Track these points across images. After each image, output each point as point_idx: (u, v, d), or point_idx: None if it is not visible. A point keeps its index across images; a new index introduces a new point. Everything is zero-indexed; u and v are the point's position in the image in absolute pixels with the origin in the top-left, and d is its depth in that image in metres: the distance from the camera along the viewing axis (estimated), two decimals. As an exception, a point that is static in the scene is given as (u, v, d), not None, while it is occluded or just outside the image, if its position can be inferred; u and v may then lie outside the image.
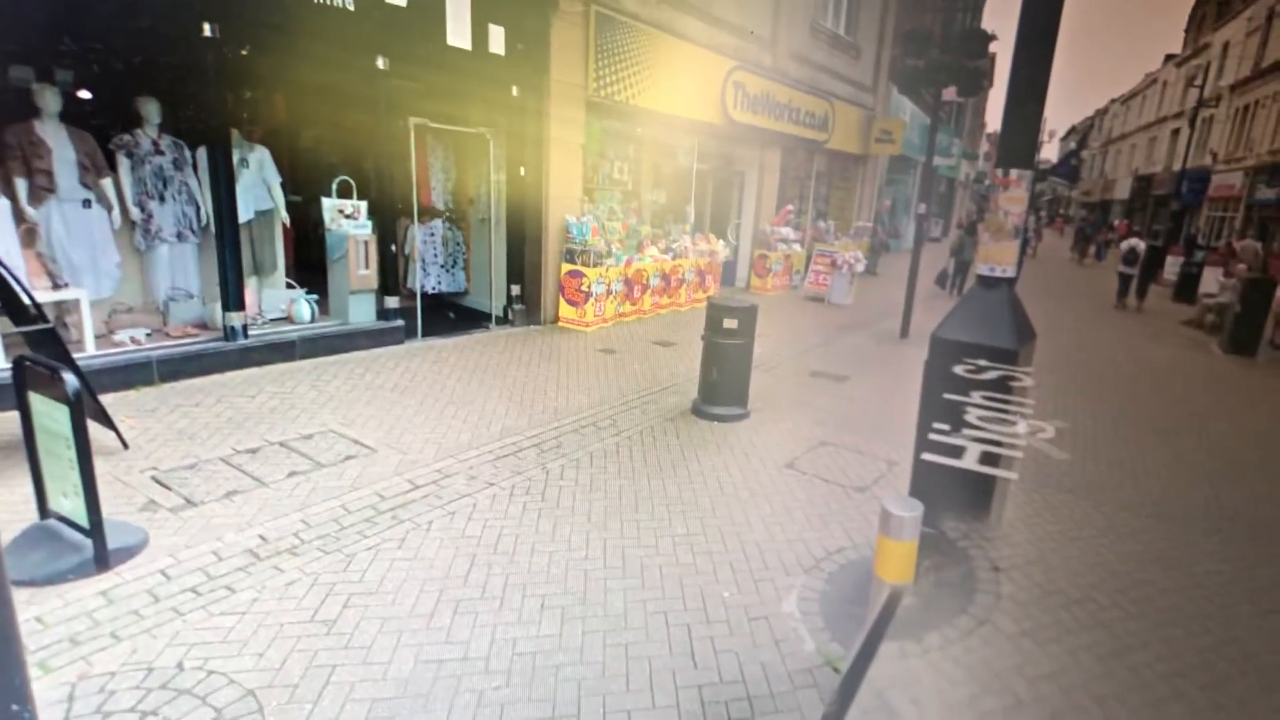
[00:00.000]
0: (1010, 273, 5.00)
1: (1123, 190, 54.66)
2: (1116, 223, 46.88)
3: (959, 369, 4.60)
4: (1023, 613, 4.29)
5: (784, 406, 7.91)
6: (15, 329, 5.19)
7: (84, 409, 3.94)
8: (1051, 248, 40.81)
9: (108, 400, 5.73)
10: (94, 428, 4.48)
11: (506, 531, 4.87)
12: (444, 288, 11.10)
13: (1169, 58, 50.33)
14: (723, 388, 7.40)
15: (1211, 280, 19.53)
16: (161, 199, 7.65)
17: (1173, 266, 24.24)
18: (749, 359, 7.45)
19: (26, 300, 4.97)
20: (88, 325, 6.98)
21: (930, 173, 14.16)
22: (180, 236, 7.86)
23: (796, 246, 17.69)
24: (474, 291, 11.67)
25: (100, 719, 3.05)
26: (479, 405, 7.30)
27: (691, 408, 7.57)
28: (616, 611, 4.06)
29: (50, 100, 6.78)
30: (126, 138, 7.41)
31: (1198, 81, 33.46)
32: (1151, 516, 5.91)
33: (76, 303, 6.95)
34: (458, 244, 11.28)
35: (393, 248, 9.41)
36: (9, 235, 6.46)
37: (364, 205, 8.87)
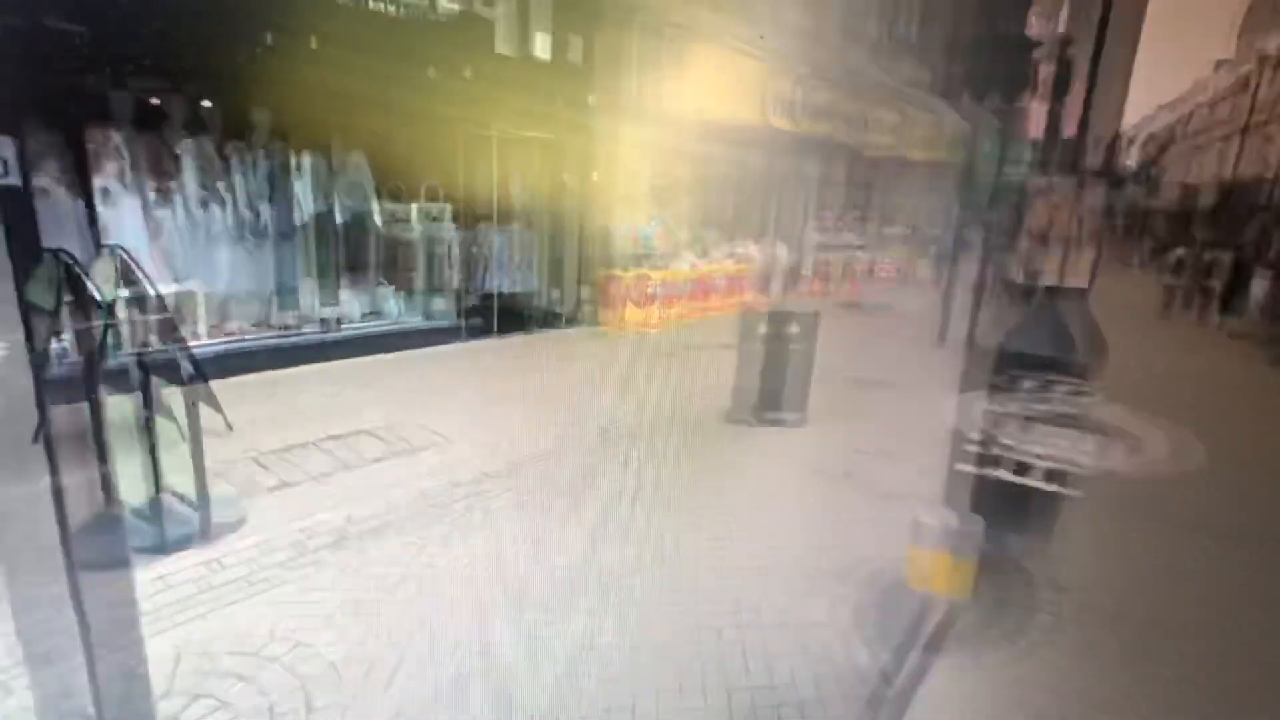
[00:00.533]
0: (1082, 283, 5.00)
1: (1166, 200, 52.43)
2: (1161, 233, 45.08)
3: (997, 378, 4.51)
4: (1084, 634, 4.08)
5: (843, 414, 7.74)
6: (141, 318, 5.39)
7: (196, 393, 4.31)
8: (1114, 259, 38.61)
9: (216, 386, 5.80)
10: (204, 410, 4.76)
11: (569, 526, 4.99)
12: (519, 288, 11.18)
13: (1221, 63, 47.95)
14: (781, 393, 7.30)
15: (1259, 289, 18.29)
16: (269, 200, 8.08)
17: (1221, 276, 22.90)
18: (808, 365, 7.35)
19: (151, 291, 5.17)
20: (202, 315, 7.58)
21: (978, 179, 13.78)
22: (284, 235, 8.25)
23: (858, 253, 17.58)
24: (546, 291, 11.71)
25: (201, 678, 3.30)
26: (548, 402, 7.48)
27: (751, 412, 7.45)
28: (666, 615, 4.09)
29: (176, 109, 7.33)
30: (241, 144, 7.86)
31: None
32: (1227, 540, 5.44)
33: (193, 294, 7.54)
34: (532, 245, 11.38)
35: (473, 249, 9.77)
36: (139, 231, 7.10)
37: (448, 208, 9.30)
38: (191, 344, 5.80)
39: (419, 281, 9.44)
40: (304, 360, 7.92)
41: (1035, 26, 24.10)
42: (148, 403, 4.46)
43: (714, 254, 13.25)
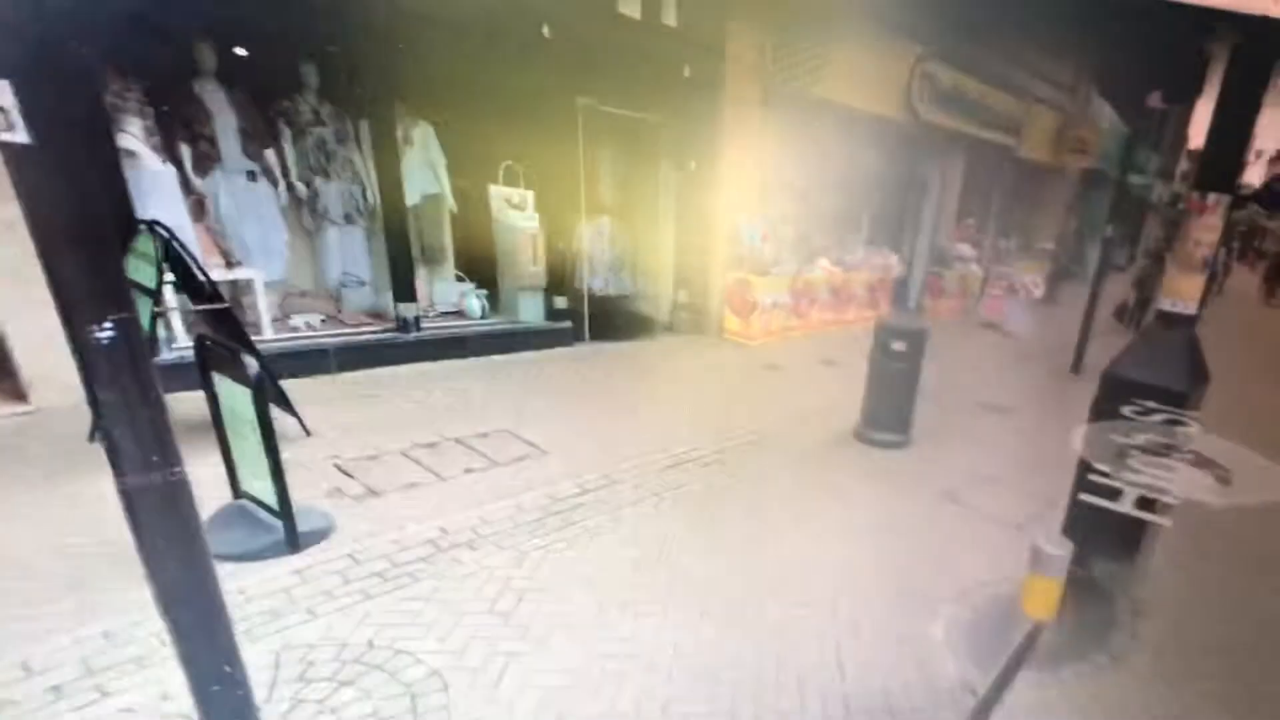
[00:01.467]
0: (1193, 310, 4.83)
1: None
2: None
3: (1127, 409, 4.56)
4: (1158, 656, 4.44)
5: (947, 436, 7.88)
6: (194, 307, 5.45)
7: (266, 393, 4.17)
8: (1241, 283, 37.57)
9: (287, 386, 6.04)
10: (277, 413, 4.82)
11: (669, 541, 5.13)
12: (611, 290, 10.90)
13: None
14: (886, 413, 7.40)
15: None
16: (327, 175, 7.72)
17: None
18: (915, 385, 7.40)
19: (203, 278, 5.20)
20: (263, 308, 7.21)
21: (1123, 191, 13.20)
22: (348, 218, 7.95)
23: (974, 266, 16.86)
24: (640, 295, 11.41)
25: (302, 684, 3.43)
26: (644, 414, 7.53)
27: (854, 431, 7.58)
28: (772, 624, 4.31)
29: (207, 58, 6.77)
30: (286, 104, 7.44)
31: None
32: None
33: (250, 283, 7.15)
34: (625, 243, 11.01)
35: (561, 244, 9.42)
36: (178, 207, 6.62)
37: (531, 195, 8.89)
38: (253, 338, 5.82)
39: (502, 279, 9.16)
40: (382, 361, 7.73)
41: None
42: (212, 400, 4.47)
43: (827, 260, 12.75)
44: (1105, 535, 4.83)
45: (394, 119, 7.71)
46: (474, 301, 8.81)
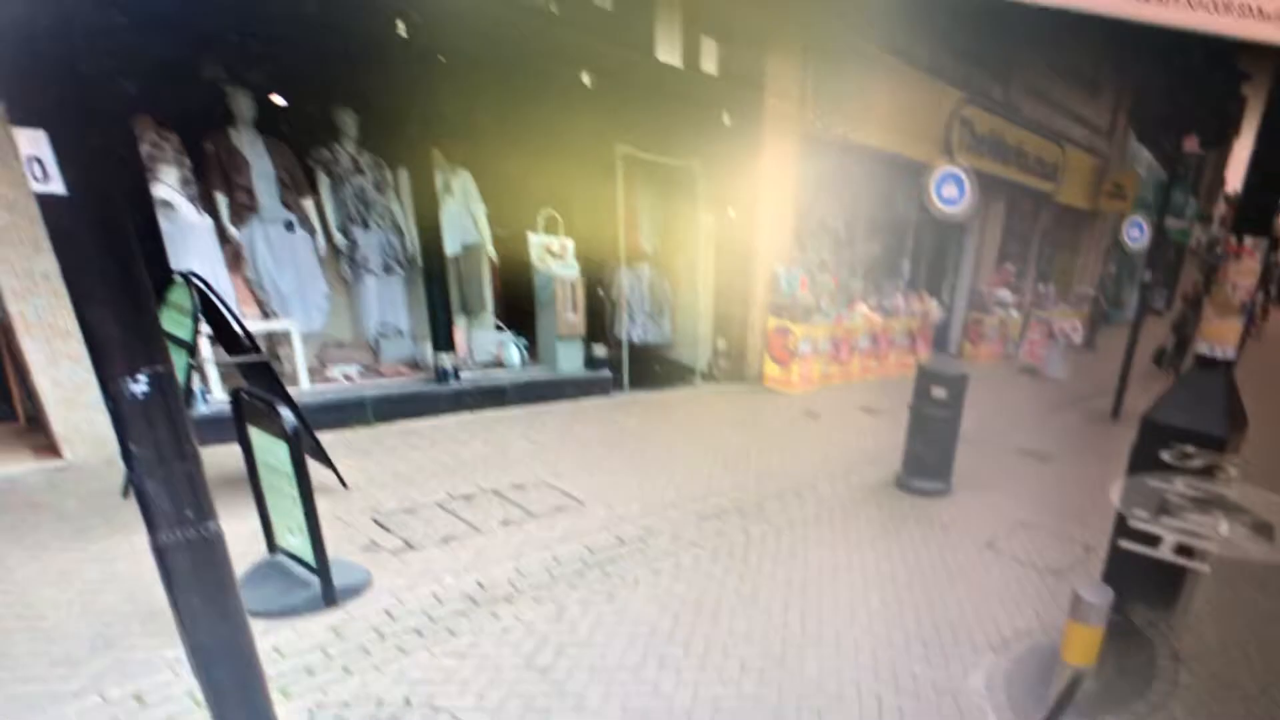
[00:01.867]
0: (1230, 354, 4.89)
1: None
2: None
3: (1166, 454, 4.63)
4: (1198, 703, 4.44)
5: (987, 484, 7.87)
6: (230, 359, 5.36)
7: (302, 446, 4.12)
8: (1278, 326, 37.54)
9: (324, 438, 5.96)
10: (313, 465, 4.69)
11: (709, 592, 5.12)
12: (650, 338, 10.86)
13: None
14: (927, 461, 7.41)
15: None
16: (365, 224, 7.61)
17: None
18: (956, 432, 7.40)
19: (239, 329, 5.13)
20: (300, 359, 7.08)
21: (1161, 236, 13.11)
22: (387, 268, 7.83)
23: (1014, 312, 16.63)
24: (679, 343, 11.33)
25: None
26: (683, 464, 7.42)
27: (894, 480, 7.61)
28: (812, 677, 4.31)
29: (245, 106, 6.69)
30: (325, 153, 7.33)
31: None
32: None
33: (288, 334, 7.02)
34: (664, 290, 10.99)
35: (600, 292, 9.32)
36: (214, 257, 6.58)
37: (570, 244, 8.79)
38: (290, 390, 5.68)
39: (541, 328, 9.03)
40: (419, 412, 7.62)
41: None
42: (248, 454, 4.42)
43: (867, 307, 12.60)
44: (1145, 582, 4.88)
45: (432, 167, 7.61)
46: (513, 350, 8.68)
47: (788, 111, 10.41)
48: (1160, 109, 12.10)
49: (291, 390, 6.00)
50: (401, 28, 6.74)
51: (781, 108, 10.30)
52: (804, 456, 8.10)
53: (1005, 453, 9.17)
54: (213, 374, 6.57)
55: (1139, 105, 18.41)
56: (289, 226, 7.14)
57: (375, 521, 5.49)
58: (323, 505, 4.39)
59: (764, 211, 10.67)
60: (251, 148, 6.83)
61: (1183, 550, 3.86)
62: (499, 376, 8.42)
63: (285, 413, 4.02)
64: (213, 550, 2.27)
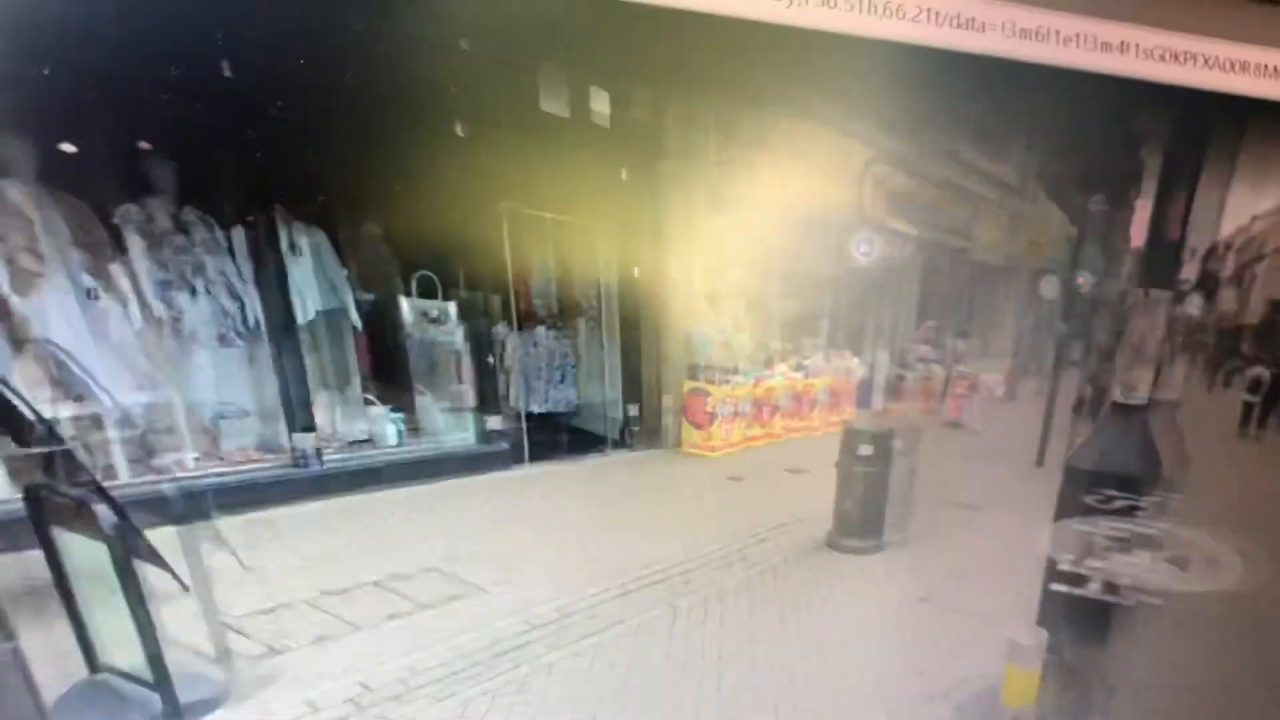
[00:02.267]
0: (1143, 400, 5.19)
1: (1254, 315, 52.38)
2: (1246, 350, 45.23)
3: (1089, 498, 4.95)
4: None
5: (919, 537, 7.99)
6: (19, 450, 4.61)
7: (127, 546, 3.82)
8: (1184, 373, 40.59)
9: (157, 537, 5.03)
10: (146, 567, 4.32)
11: (634, 671, 4.98)
12: (552, 406, 10.04)
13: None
14: (857, 518, 7.47)
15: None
16: (193, 291, 6.62)
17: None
18: (885, 488, 7.54)
19: (31, 415, 4.48)
20: (117, 447, 6.15)
21: (1074, 290, 13.68)
22: (223, 340, 6.85)
23: (936, 367, 16.48)
24: (586, 410, 10.55)
25: None
26: (597, 538, 7.09)
27: (825, 540, 7.60)
28: None
29: (22, 153, 5.69)
30: (135, 210, 6.29)
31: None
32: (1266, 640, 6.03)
33: (99, 419, 6.07)
34: (565, 355, 10.22)
35: (489, 359, 8.61)
36: (77, 324, 5.89)
37: (452, 307, 8.10)
38: (108, 484, 4.98)
39: (421, 400, 8.23)
40: (275, 501, 6.69)
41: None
42: (53, 561, 4.02)
43: (785, 367, 12.41)
44: (1076, 622, 5.09)
45: (276, 226, 6.76)
46: (387, 427, 7.80)
47: (691, 166, 10.00)
48: (1066, 170, 12.55)
49: (109, 484, 5.12)
50: (226, 67, 5.85)
51: (684, 162, 9.89)
52: (729, 522, 7.86)
53: (936, 506, 9.16)
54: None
55: (1046, 166, 19.27)
56: (91, 295, 6.12)
57: (229, 626, 4.93)
58: (160, 611, 4.06)
59: (672, 271, 10.14)
60: (36, 202, 5.80)
61: (1109, 587, 4.31)
62: (373, 456, 7.54)
63: (102, 510, 3.75)
64: (6, 675, 1.99)
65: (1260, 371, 18.38)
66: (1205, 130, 4.86)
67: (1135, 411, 5.21)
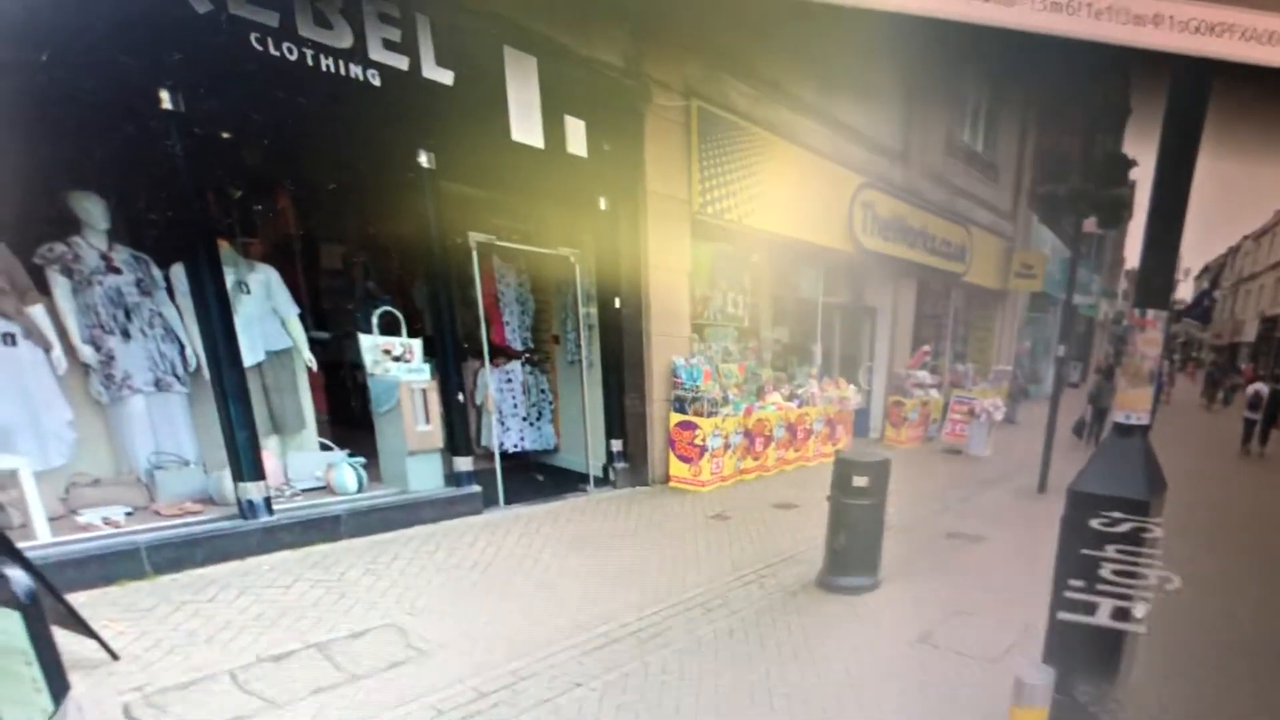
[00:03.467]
0: (1145, 420, 5.04)
1: (1250, 332, 52.38)
2: (1244, 367, 45.40)
3: (1094, 522, 4.76)
4: None
5: (917, 573, 7.62)
6: None
7: (44, 612, 3.47)
8: (1183, 392, 41.02)
9: (81, 600, 4.82)
10: (68, 636, 4.14)
11: None
12: (528, 445, 9.67)
13: (1307, 192, 48.43)
14: (850, 555, 7.04)
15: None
16: (125, 334, 6.12)
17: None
18: (880, 521, 7.07)
19: None
20: (35, 505, 5.58)
21: (1071, 312, 13.39)
22: (159, 384, 6.34)
23: (934, 392, 16.23)
24: (566, 448, 10.16)
25: None
26: (567, 587, 6.57)
27: (816, 579, 7.18)
28: None
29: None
30: (60, 248, 5.82)
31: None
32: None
33: (14, 474, 5.52)
34: (542, 391, 9.84)
35: (460, 397, 7.94)
36: None
37: (417, 344, 7.54)
38: (24, 545, 4.49)
39: (384, 443, 7.63)
40: (219, 557, 6.10)
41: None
42: None
43: (778, 396, 11.80)
44: (1086, 655, 4.90)
45: (220, 264, 6.18)
46: (345, 472, 7.10)
47: (672, 195, 9.56)
48: (1059, 193, 12.33)
49: (25, 545, 4.68)
50: (165, 97, 5.39)
51: (665, 191, 9.44)
52: (713, 564, 7.41)
53: (935, 537, 8.95)
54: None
55: (1038, 190, 18.99)
56: (8, 340, 5.59)
57: (147, 702, 4.26)
58: (82, 685, 3.83)
59: (656, 301, 9.65)
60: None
61: (1120, 614, 4.11)
62: (329, 505, 6.86)
63: (14, 573, 3.38)
64: None
65: (1259, 387, 18.24)
66: (1193, 147, 4.61)
67: (1137, 432, 5.03)
